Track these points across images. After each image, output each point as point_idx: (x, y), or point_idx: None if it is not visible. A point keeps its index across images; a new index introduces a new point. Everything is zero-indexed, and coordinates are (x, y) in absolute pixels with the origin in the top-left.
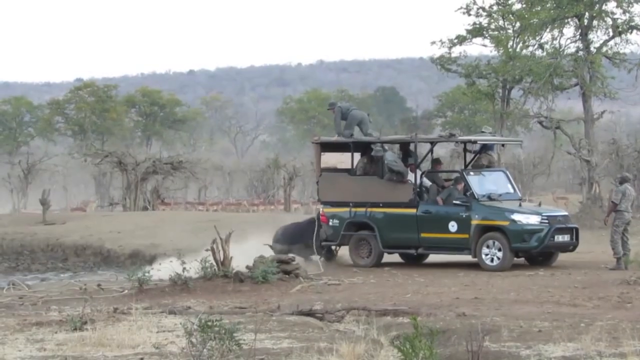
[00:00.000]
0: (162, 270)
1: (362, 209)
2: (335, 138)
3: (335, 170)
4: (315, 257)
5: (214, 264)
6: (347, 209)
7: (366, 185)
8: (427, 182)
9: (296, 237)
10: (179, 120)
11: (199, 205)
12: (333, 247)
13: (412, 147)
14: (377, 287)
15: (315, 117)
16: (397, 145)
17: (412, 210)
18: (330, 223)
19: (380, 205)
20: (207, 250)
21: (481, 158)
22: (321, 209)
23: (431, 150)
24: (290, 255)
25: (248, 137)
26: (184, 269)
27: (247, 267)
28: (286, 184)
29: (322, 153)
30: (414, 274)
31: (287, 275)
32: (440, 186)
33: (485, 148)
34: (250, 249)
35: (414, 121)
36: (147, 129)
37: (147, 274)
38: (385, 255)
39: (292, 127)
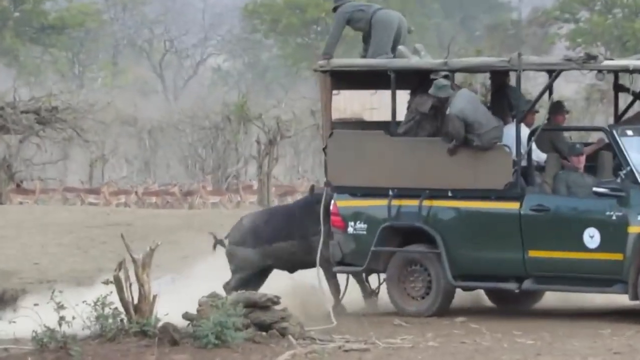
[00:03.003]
0: (20, 321)
1: (414, 202)
2: (358, 61)
3: (359, 124)
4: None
5: (121, 310)
6: (383, 202)
7: (421, 156)
8: (541, 155)
9: (278, 233)
10: (51, 29)
11: (90, 194)
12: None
13: (510, 80)
14: (442, 355)
15: (318, 22)
16: (483, 77)
17: (512, 206)
18: (350, 229)
19: (449, 194)
20: (106, 283)
21: None
22: (332, 200)
23: (549, 87)
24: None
25: (187, 62)
26: (62, 319)
27: (186, 316)
28: (262, 153)
29: (333, 92)
30: (513, 331)
31: (264, 333)
32: (565, 156)
33: None
34: (192, 281)
35: (513, 29)
36: None
37: None
38: (458, 293)
39: (274, 42)
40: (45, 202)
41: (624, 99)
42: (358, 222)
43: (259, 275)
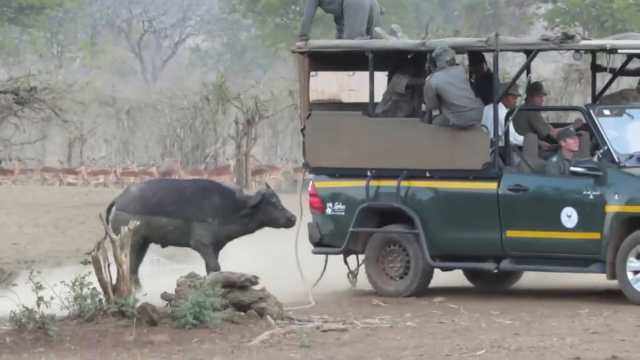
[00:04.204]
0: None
1: (392, 183)
2: (336, 42)
3: (337, 105)
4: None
5: (99, 290)
6: (361, 183)
7: (399, 137)
8: (518, 137)
9: (162, 208)
10: (30, 9)
11: (69, 174)
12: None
13: (482, 61)
14: (420, 335)
15: (297, 2)
16: (461, 58)
17: (490, 186)
18: (329, 211)
19: (427, 175)
20: (84, 263)
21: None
22: (310, 183)
23: (527, 67)
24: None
25: (166, 42)
26: (41, 299)
27: (165, 296)
28: (241, 133)
29: (311, 73)
30: (491, 310)
31: (242, 314)
32: (543, 137)
33: None
34: (170, 261)
35: (492, 9)
36: None
37: None
38: (436, 274)
39: (252, 22)
40: (24, 183)
41: (602, 79)
42: (336, 203)
43: (142, 246)
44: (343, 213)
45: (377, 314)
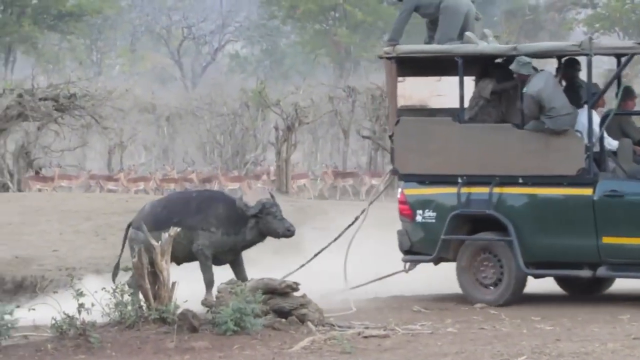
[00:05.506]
0: (39, 308)
1: (484, 190)
2: (424, 47)
3: (426, 112)
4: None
5: (140, 297)
6: (452, 190)
7: (491, 142)
8: (612, 142)
9: (168, 220)
10: (69, 16)
11: (109, 181)
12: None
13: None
14: (461, 342)
15: (336, 8)
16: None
17: (585, 192)
18: (419, 218)
19: (520, 181)
20: (125, 270)
21: None
22: (399, 190)
23: (619, 75)
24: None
25: (205, 48)
26: (81, 306)
27: (206, 302)
28: (280, 139)
29: (398, 78)
30: (532, 316)
31: (283, 320)
32: (636, 142)
33: None
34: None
35: (531, 15)
36: (5, 32)
37: (8, 317)
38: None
39: (292, 29)
40: (64, 189)
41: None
42: (427, 210)
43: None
44: (434, 220)
45: (418, 320)
